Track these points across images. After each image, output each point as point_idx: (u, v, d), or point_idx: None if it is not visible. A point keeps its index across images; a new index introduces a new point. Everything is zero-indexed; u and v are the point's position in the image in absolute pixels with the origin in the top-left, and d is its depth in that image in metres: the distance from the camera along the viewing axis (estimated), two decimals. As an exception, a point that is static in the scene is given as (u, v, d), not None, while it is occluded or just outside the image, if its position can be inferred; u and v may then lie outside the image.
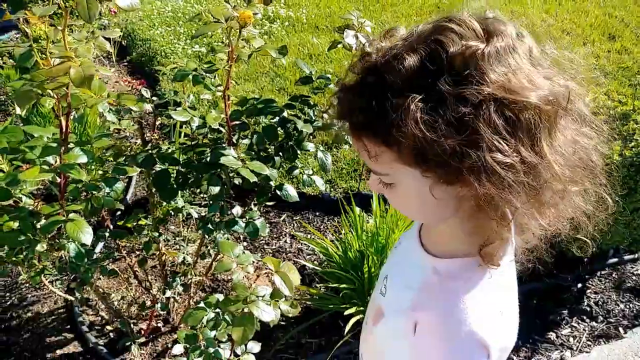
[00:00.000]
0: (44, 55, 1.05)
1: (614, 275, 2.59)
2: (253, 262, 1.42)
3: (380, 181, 0.72)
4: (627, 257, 2.64)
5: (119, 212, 2.65)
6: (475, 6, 0.68)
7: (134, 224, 1.83)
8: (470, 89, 0.59)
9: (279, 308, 1.34)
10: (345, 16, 1.55)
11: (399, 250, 0.94)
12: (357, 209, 2.23)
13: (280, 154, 1.65)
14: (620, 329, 2.31)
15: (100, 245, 2.38)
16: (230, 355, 1.52)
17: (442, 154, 0.60)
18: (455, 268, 0.75)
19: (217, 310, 1.41)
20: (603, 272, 2.60)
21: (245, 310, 1.28)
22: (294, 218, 2.78)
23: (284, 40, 4.32)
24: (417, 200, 0.71)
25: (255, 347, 1.60)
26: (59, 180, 1.24)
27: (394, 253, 0.97)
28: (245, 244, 2.60)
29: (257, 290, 1.32)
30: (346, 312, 1.96)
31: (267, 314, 1.29)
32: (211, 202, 1.62)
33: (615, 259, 2.62)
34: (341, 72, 3.86)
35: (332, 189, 2.94)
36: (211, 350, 1.51)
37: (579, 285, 2.51)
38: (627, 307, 2.43)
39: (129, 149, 1.63)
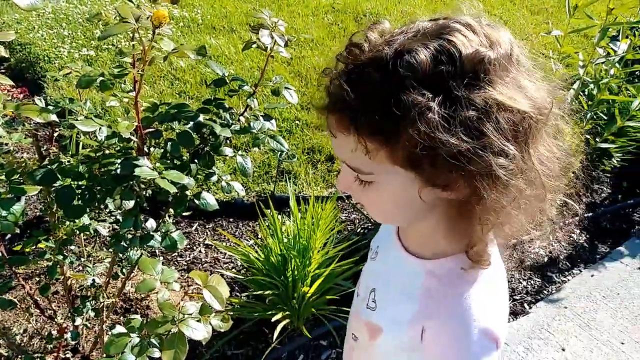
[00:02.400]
0: None
1: (514, 255, 2.78)
2: (180, 276, 1.33)
3: (357, 178, 0.69)
4: (524, 237, 2.84)
5: (8, 236, 2.38)
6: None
7: (33, 247, 1.65)
8: (480, 93, 0.58)
9: (210, 324, 1.27)
10: (257, 15, 1.50)
11: (379, 261, 0.91)
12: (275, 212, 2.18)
13: (196, 160, 1.56)
14: (525, 305, 2.47)
15: (-11, 274, 2.13)
16: (158, 380, 1.41)
17: (450, 156, 0.59)
18: (451, 267, 0.74)
19: (142, 334, 1.30)
20: (505, 253, 2.78)
21: (175, 330, 1.20)
22: (207, 226, 2.68)
23: (179, 42, 4.15)
24: (392, 201, 0.70)
25: (181, 367, 1.51)
26: (-56, 206, 1.07)
27: (373, 265, 0.93)
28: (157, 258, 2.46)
29: (185, 308, 1.24)
30: (274, 319, 1.92)
31: (199, 332, 1.22)
32: (123, 217, 1.50)
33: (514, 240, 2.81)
34: (243, 74, 3.75)
35: (242, 196, 2.86)
36: (134, 377, 1.40)
37: (486, 268, 2.66)
38: (529, 284, 2.61)
39: (23, 165, 1.46)
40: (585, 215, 3.03)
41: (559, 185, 0.69)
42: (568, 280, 2.65)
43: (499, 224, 0.67)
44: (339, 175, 0.75)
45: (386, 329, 0.81)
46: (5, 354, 1.88)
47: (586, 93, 3.16)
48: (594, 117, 3.12)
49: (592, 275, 2.67)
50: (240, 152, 1.60)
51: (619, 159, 3.33)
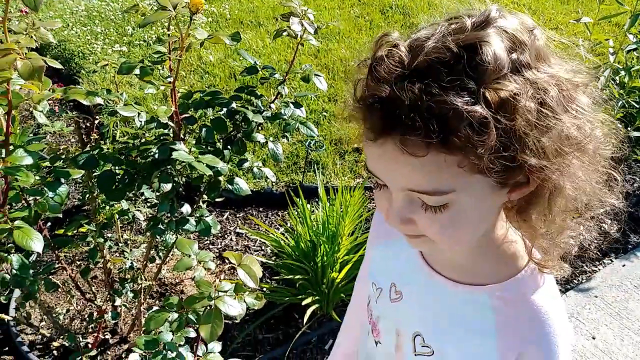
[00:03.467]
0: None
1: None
2: (213, 259, 1.39)
3: (425, 205, 0.59)
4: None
5: (49, 223, 2.48)
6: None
7: (74, 231, 1.73)
8: (547, 72, 0.56)
9: (244, 301, 1.32)
10: (286, 4, 1.54)
11: (410, 301, 0.80)
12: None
13: (229, 147, 1.62)
14: (555, 294, 2.46)
15: (32, 256, 2.22)
16: (195, 358, 1.47)
17: (553, 140, 0.55)
18: (523, 284, 0.69)
19: (180, 311, 1.36)
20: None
21: (212, 306, 1.25)
22: (237, 215, 2.74)
23: (209, 37, 4.22)
24: (474, 217, 0.62)
25: (216, 346, 1.57)
26: (-2, 186, 1.15)
27: (402, 306, 0.81)
28: (189, 245, 2.53)
29: (221, 285, 1.29)
30: (304, 303, 1.96)
31: (234, 308, 1.26)
32: (160, 201, 1.56)
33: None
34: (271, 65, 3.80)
35: (273, 183, 2.92)
36: (172, 354, 1.46)
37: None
38: (559, 272, 2.59)
39: (66, 151, 1.53)
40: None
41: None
42: (599, 269, 2.62)
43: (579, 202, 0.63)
44: (391, 209, 0.63)
45: None
46: (48, 335, 1.97)
47: (617, 81, 3.11)
48: (625, 105, 3.07)
49: (623, 265, 2.64)
50: (271, 139, 1.65)
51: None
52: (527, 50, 0.56)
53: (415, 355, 0.78)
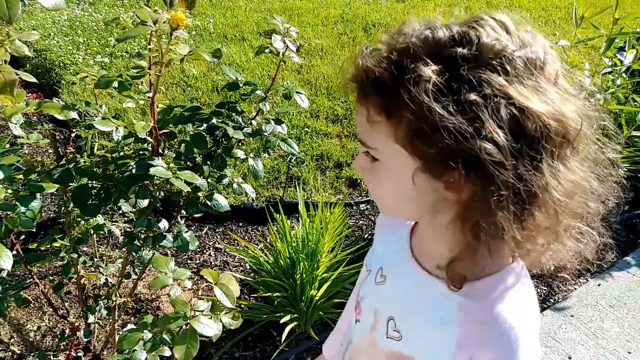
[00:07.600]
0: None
1: (522, 264, 2.79)
2: (190, 277, 1.36)
3: (368, 154, 0.69)
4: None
5: (22, 236, 2.43)
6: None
7: (48, 246, 1.69)
8: (488, 76, 0.58)
9: (221, 321, 1.30)
10: (270, 21, 1.54)
11: (390, 286, 0.84)
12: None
13: (209, 163, 1.60)
14: (533, 313, 2.48)
15: (2, 272, 2.16)
16: (169, 377, 1.44)
17: (438, 130, 0.58)
18: (491, 286, 0.70)
19: (155, 330, 1.33)
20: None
21: (187, 326, 1.22)
22: (217, 230, 2.71)
23: (192, 50, 4.21)
24: (395, 186, 0.68)
25: (192, 365, 1.54)
26: (-33, 201, 1.11)
27: (383, 290, 0.85)
28: (166, 260, 2.49)
29: (197, 305, 1.27)
30: (282, 320, 1.94)
31: (210, 328, 1.24)
32: (137, 216, 1.54)
33: (522, 249, 2.82)
34: (254, 81, 3.83)
35: (253, 199, 2.90)
36: (146, 374, 1.42)
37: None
38: (535, 291, 2.61)
39: (40, 164, 1.50)
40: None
41: (575, 215, 0.67)
42: (574, 289, 2.65)
43: (494, 231, 0.62)
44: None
45: (421, 358, 0.76)
46: (18, 352, 1.91)
47: (593, 103, 3.17)
48: (601, 128, 3.13)
49: (598, 285, 2.67)
50: (252, 155, 1.64)
51: (625, 169, 3.34)
52: (481, 53, 0.59)
53: (387, 338, 0.81)
